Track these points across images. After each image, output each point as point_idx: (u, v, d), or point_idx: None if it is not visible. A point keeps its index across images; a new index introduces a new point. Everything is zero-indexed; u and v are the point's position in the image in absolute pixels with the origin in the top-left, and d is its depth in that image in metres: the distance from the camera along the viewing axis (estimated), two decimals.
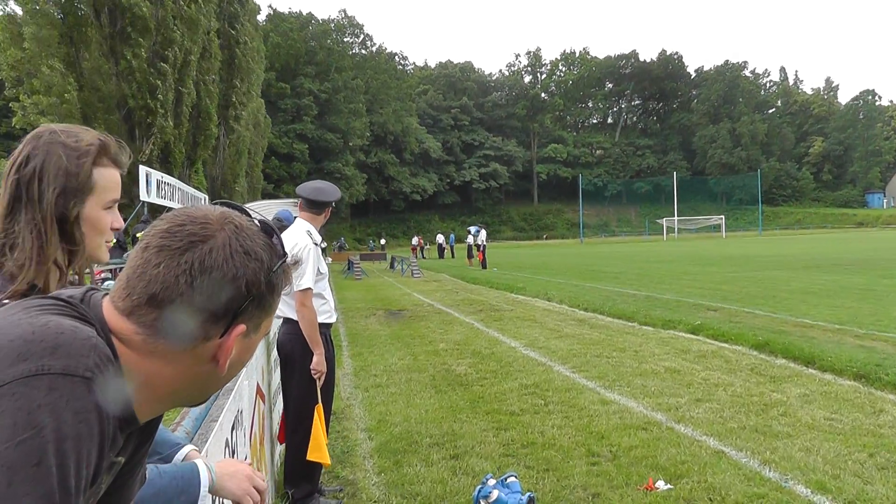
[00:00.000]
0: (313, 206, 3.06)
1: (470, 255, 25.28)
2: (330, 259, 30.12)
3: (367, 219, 68.06)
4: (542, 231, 70.54)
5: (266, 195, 40.01)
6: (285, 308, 3.00)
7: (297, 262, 0.69)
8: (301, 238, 2.96)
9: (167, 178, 12.33)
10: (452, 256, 34.42)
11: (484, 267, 21.48)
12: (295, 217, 3.23)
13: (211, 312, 0.59)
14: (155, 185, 11.17)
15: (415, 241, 38.03)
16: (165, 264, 0.58)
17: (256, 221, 0.65)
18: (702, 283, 12.92)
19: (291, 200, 17.72)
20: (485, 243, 22.56)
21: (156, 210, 12.38)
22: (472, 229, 26.95)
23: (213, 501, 1.18)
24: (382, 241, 48.33)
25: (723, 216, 59.48)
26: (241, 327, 0.61)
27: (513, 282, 14.76)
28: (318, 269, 3.01)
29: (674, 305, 9.39)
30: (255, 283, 0.61)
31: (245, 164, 29.02)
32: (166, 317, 0.58)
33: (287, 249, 0.67)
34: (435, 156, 70.35)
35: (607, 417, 4.22)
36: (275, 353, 3.37)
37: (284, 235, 3.01)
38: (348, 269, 23.52)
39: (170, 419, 1.52)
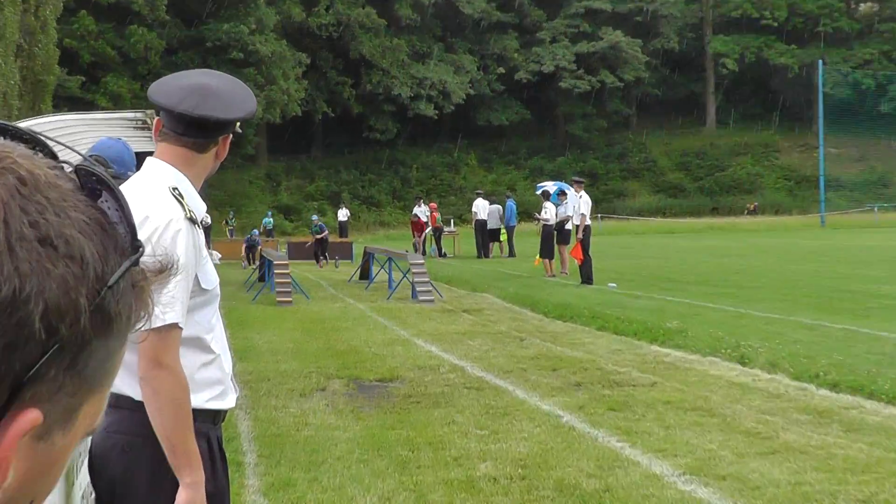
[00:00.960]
0: (190, 130, 3.11)
1: (548, 253, 25.24)
2: (219, 255, 30.50)
3: (307, 159, 68.84)
4: (729, 194, 70.42)
5: (65, 102, 40.68)
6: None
7: (166, 269, 0.76)
8: (162, 206, 3.01)
9: None
10: (511, 253, 34.90)
11: (585, 280, 21.71)
12: (146, 156, 3.28)
13: None
14: None
15: (420, 212, 38.22)
16: None
17: (66, 167, 0.70)
18: None
19: (129, 115, 17.93)
20: (587, 221, 22.57)
21: None
22: (552, 188, 26.95)
23: None
24: (343, 214, 48.83)
25: None
26: (33, 415, 0.65)
27: (655, 316, 15.01)
28: (199, 279, 3.08)
29: None
30: (65, 311, 0.65)
31: (13, 38, 29.41)
32: None
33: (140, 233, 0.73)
34: (471, 14, 70.71)
35: None
36: (84, 478, 3.43)
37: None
38: (260, 278, 23.77)
39: None
